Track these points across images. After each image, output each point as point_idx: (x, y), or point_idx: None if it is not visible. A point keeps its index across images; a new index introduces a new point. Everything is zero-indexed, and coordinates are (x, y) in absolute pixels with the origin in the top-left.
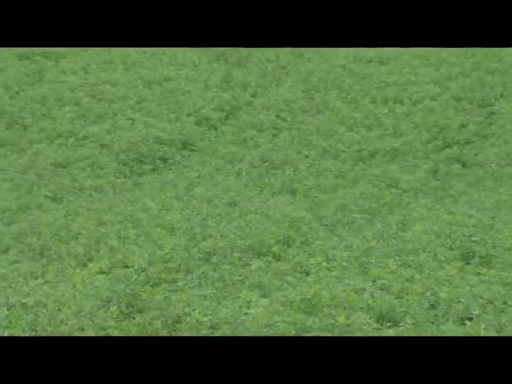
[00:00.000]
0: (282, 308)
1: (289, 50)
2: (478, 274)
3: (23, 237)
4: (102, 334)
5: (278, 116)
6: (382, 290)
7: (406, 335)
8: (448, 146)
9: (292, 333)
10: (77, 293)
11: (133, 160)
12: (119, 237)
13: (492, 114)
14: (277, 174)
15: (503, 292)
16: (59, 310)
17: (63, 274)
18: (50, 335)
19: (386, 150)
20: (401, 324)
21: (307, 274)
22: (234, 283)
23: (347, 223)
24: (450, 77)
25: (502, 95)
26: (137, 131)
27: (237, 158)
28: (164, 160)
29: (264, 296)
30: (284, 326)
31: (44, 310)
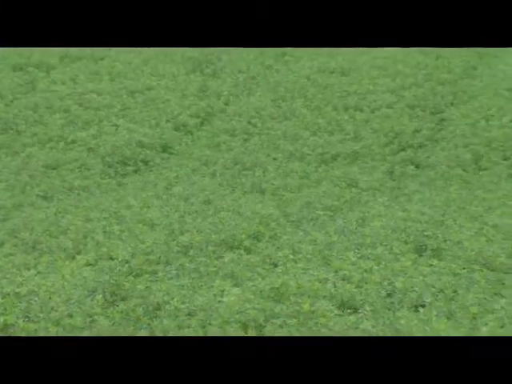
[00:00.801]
0: (252, 296)
1: (259, 61)
2: (430, 265)
3: (17, 232)
4: (88, 320)
5: (248, 122)
6: (343, 280)
7: (367, 322)
8: (403, 150)
9: (261, 319)
10: (66, 283)
11: (117, 162)
12: (104, 232)
13: (443, 120)
14: (248, 175)
15: (453, 282)
16: (50, 298)
17: (53, 266)
18: (49, 335)
19: (347, 153)
20: (360, 311)
21: (275, 265)
22: (208, 274)
23: (311, 219)
24: (405, 87)
25: (452, 103)
26: (120, 136)
27: (211, 161)
28: (145, 162)
29: (236, 285)
30: (254, 312)
31: (36, 299)
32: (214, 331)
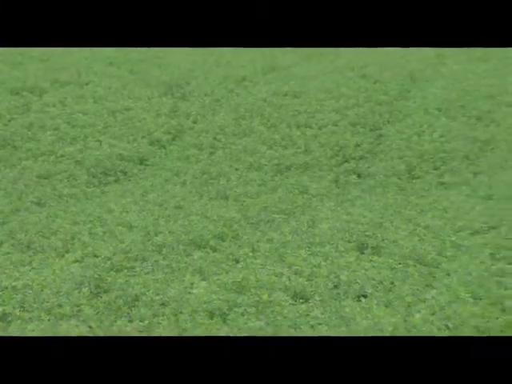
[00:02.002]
0: (217, 289)
1: (222, 86)
2: (371, 261)
3: (14, 233)
4: (76, 309)
5: (214, 138)
6: (295, 274)
7: (316, 310)
8: (346, 161)
9: (225, 308)
10: (56, 277)
11: (100, 173)
12: (90, 233)
13: (380, 135)
14: (213, 184)
15: (390, 275)
16: (42, 290)
17: (45, 263)
18: (49, 335)
19: (299, 164)
20: (310, 301)
21: (237, 261)
22: (179, 269)
23: (268, 221)
24: (348, 107)
25: (388, 121)
26: (103, 150)
27: (182, 171)
28: (124, 173)
29: (203, 279)
30: (219, 302)
31: (30, 291)
32: (184, 319)
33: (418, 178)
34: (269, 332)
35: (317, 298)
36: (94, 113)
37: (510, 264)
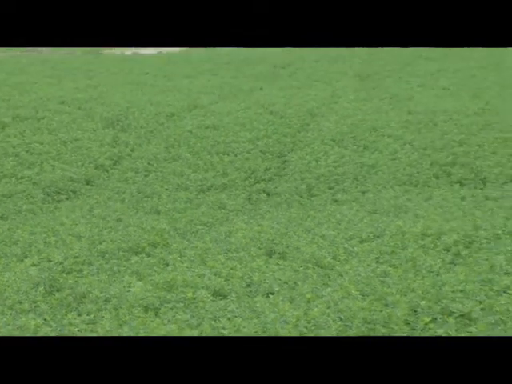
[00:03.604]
0: (151, 287)
1: (155, 120)
2: (277, 264)
3: None
4: (33, 305)
5: (148, 163)
6: (215, 275)
7: (233, 305)
8: (257, 182)
9: (157, 304)
10: (17, 279)
11: (53, 192)
12: (45, 242)
13: (285, 161)
14: (147, 201)
15: (293, 276)
16: (5, 290)
17: (8, 267)
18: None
19: (218, 184)
20: (228, 297)
21: (167, 265)
22: (119, 272)
23: (193, 232)
24: (259, 138)
25: (292, 149)
26: (56, 173)
27: (121, 191)
28: (74, 192)
29: (139, 280)
30: (152, 299)
31: None
32: (123, 313)
33: (316, 195)
34: (193, 323)
35: (233, 295)
36: (48, 142)
37: (391, 266)
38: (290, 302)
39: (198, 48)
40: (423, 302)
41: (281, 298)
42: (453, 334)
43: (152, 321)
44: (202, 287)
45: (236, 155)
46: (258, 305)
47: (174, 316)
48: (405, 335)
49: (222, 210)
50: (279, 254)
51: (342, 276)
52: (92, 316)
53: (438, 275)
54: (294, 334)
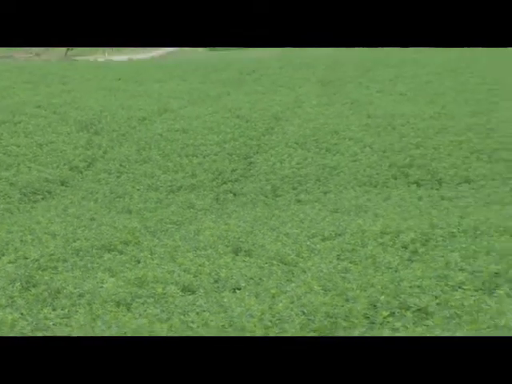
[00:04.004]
0: (123, 283)
1: (127, 123)
2: (244, 261)
3: None
4: (10, 300)
5: (120, 165)
6: (184, 271)
7: (201, 300)
8: (224, 183)
9: (129, 299)
10: None
11: (30, 192)
12: (21, 240)
13: (251, 163)
14: (120, 201)
15: (259, 272)
16: None
17: None
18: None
19: (187, 185)
20: (196, 293)
21: (139, 262)
22: (93, 268)
23: (163, 230)
24: (226, 141)
25: (257, 152)
26: (32, 175)
27: (95, 191)
28: (49, 192)
29: (112, 276)
30: (124, 294)
31: None
32: (97, 307)
33: (280, 196)
34: (163, 317)
35: (201, 291)
36: (25, 145)
37: (351, 263)
38: (256, 297)
39: (167, 55)
40: (382, 297)
41: (247, 294)
42: (410, 327)
43: (124, 315)
44: (172, 283)
45: (204, 157)
46: (225, 300)
47: (145, 311)
48: (404, 335)
49: (191, 210)
50: (245, 251)
51: (305, 272)
52: (66, 311)
53: (396, 271)
54: (260, 327)
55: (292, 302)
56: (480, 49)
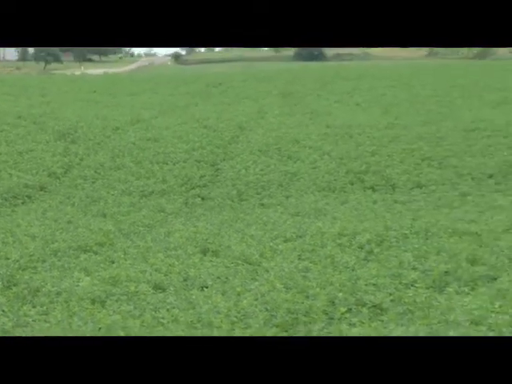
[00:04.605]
0: (98, 282)
1: (102, 133)
2: (211, 261)
3: None
4: None
5: (95, 171)
6: (156, 271)
7: (171, 298)
8: (193, 188)
9: (104, 296)
10: None
11: (11, 197)
12: (2, 242)
13: (218, 169)
14: (95, 205)
15: (225, 271)
16: None
17: None
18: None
19: (158, 190)
20: (167, 291)
21: (113, 262)
22: (70, 268)
23: (136, 232)
24: (195, 148)
25: (224, 159)
26: (13, 180)
27: (72, 196)
28: (29, 197)
29: (88, 275)
30: (99, 292)
31: None
32: (73, 305)
33: (245, 200)
34: (136, 314)
35: (171, 289)
36: (6, 153)
37: (311, 263)
38: (222, 295)
39: (139, 69)
40: (340, 294)
41: (214, 291)
42: (366, 322)
43: (99, 312)
44: (144, 282)
45: (174, 164)
46: (193, 297)
47: (119, 307)
48: (403, 335)
49: (162, 213)
50: (212, 252)
51: (268, 271)
52: (45, 308)
53: (353, 270)
54: (226, 323)
55: (256, 299)
56: (431, 63)
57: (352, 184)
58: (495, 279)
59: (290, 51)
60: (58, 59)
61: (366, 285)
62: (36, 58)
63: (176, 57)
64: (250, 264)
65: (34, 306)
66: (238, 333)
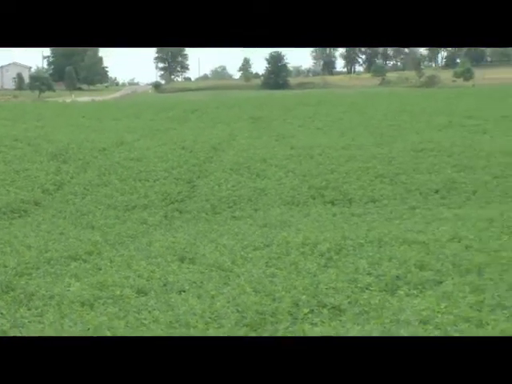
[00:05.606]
0: (87, 287)
1: (90, 153)
2: (188, 268)
3: None
4: None
5: (84, 188)
6: (138, 276)
7: (152, 301)
8: (172, 203)
9: (92, 300)
10: None
11: (9, 211)
12: (1, 252)
13: (194, 186)
14: (85, 218)
15: (201, 277)
16: None
17: None
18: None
19: (141, 204)
20: (149, 294)
21: (100, 269)
22: (62, 274)
23: (121, 243)
24: (173, 167)
25: (199, 176)
26: (10, 196)
27: (63, 210)
28: (25, 211)
29: (78, 281)
30: (88, 296)
31: None
32: (65, 307)
33: (219, 213)
34: (121, 315)
35: (152, 293)
36: (4, 172)
37: (277, 269)
38: (198, 298)
39: (123, 97)
40: (303, 297)
41: (190, 295)
42: (326, 322)
43: (88, 314)
44: (128, 286)
45: (155, 181)
46: (172, 300)
47: (106, 310)
48: (402, 336)
49: (144, 225)
50: (189, 259)
51: (239, 277)
52: (39, 310)
53: (314, 276)
54: (201, 323)
55: (228, 302)
56: (383, 91)
57: (314, 198)
58: (441, 283)
59: (258, 80)
60: (50, 88)
61: (326, 288)
62: (31, 87)
63: (156, 86)
64: (222, 270)
65: (29, 309)
66: (212, 332)
